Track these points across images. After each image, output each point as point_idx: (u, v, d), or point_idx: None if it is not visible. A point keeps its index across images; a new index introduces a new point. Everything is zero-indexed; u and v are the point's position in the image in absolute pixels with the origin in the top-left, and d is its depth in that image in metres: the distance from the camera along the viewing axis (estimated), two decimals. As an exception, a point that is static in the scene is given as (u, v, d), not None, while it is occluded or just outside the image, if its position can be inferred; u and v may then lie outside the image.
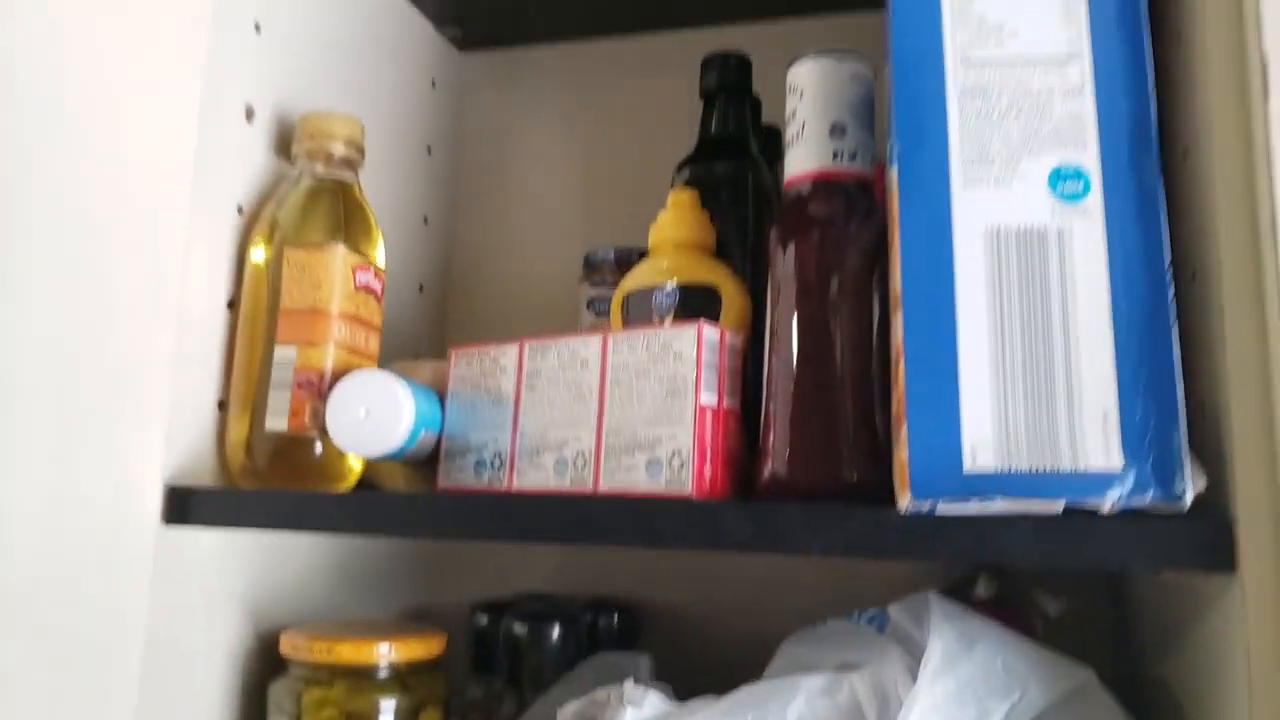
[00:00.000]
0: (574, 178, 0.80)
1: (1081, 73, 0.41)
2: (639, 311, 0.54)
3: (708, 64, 0.61)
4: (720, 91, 0.60)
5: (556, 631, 0.62)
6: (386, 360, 0.63)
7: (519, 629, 0.62)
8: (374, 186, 0.69)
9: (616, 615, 0.67)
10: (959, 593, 0.57)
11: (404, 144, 0.75)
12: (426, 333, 0.78)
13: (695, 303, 0.53)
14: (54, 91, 0.46)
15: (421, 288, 0.77)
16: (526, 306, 0.79)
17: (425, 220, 0.78)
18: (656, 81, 0.78)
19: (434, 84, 0.80)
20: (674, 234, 0.54)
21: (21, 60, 0.44)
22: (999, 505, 0.39)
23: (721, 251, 0.57)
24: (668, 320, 0.53)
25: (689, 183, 0.58)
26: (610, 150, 0.79)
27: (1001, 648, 0.43)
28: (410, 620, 0.73)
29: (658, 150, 0.72)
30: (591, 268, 0.70)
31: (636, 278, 0.55)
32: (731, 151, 0.59)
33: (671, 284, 0.53)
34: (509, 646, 0.62)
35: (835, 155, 0.48)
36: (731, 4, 0.75)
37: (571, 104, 0.81)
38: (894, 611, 0.46)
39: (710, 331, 0.47)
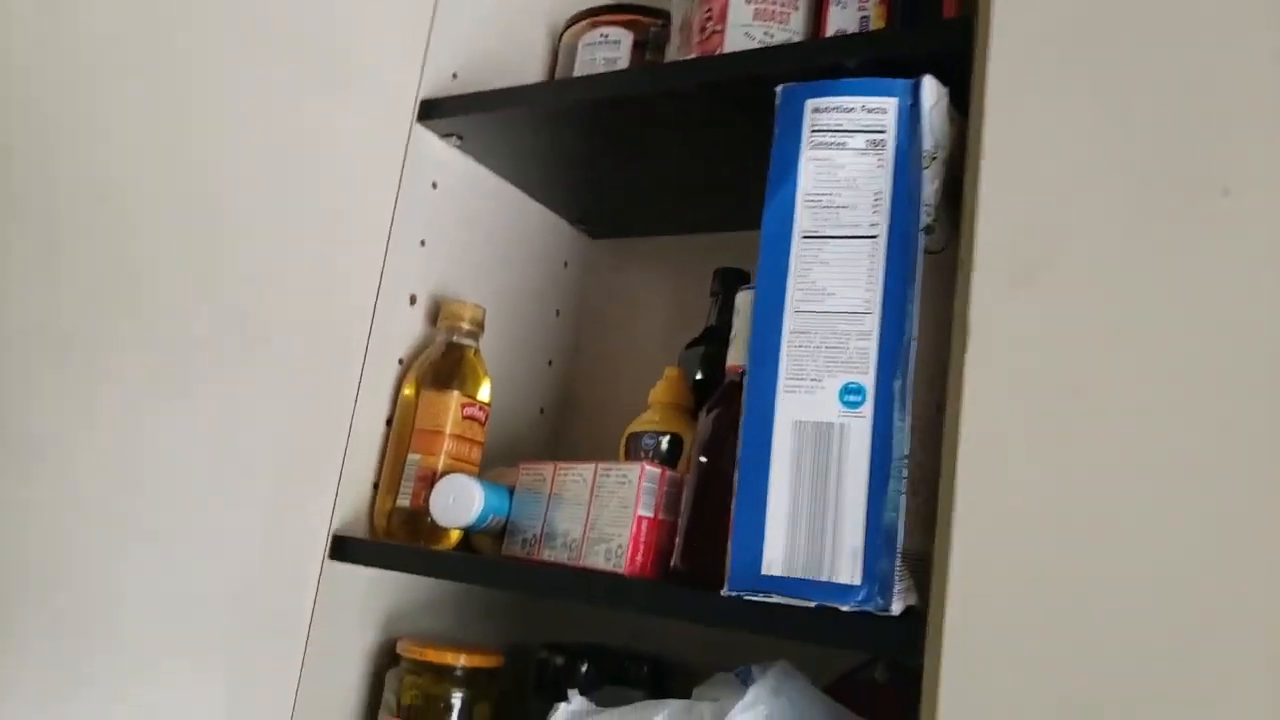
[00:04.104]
0: (663, 334, 1.07)
1: (871, 322, 0.63)
2: (635, 448, 0.80)
3: (715, 274, 0.86)
4: (721, 295, 0.84)
5: (584, 668, 0.87)
6: (505, 464, 0.92)
7: (558, 661, 0.87)
8: (509, 338, 1.00)
9: (646, 666, 0.91)
10: (862, 675, 0.76)
11: (537, 308, 1.05)
12: (544, 444, 1.06)
13: (668, 445, 0.77)
14: (290, 298, 0.79)
15: (542, 410, 1.06)
16: (617, 428, 1.05)
17: (550, 363, 1.07)
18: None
19: (566, 264, 1.09)
20: (662, 397, 0.80)
21: (272, 274, 0.78)
22: (779, 599, 0.60)
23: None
24: (652, 455, 0.78)
25: (686, 359, 0.83)
26: (690, 315, 1.05)
27: (803, 699, 0.63)
28: (494, 645, 0.99)
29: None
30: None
31: (637, 424, 0.80)
32: (722, 339, 0.83)
33: (652, 432, 0.78)
34: (551, 674, 0.88)
35: (752, 355, 0.72)
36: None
37: (668, 280, 1.08)
38: (754, 670, 0.67)
39: (650, 469, 0.71)
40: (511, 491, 0.83)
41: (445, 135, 0.91)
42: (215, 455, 0.73)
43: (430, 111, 0.89)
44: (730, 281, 0.84)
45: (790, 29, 0.82)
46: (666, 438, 0.78)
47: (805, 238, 0.66)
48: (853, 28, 0.79)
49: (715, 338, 0.84)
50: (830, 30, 0.80)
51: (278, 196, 0.76)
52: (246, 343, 0.75)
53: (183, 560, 0.71)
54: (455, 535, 0.85)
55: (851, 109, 0.66)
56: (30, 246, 0.61)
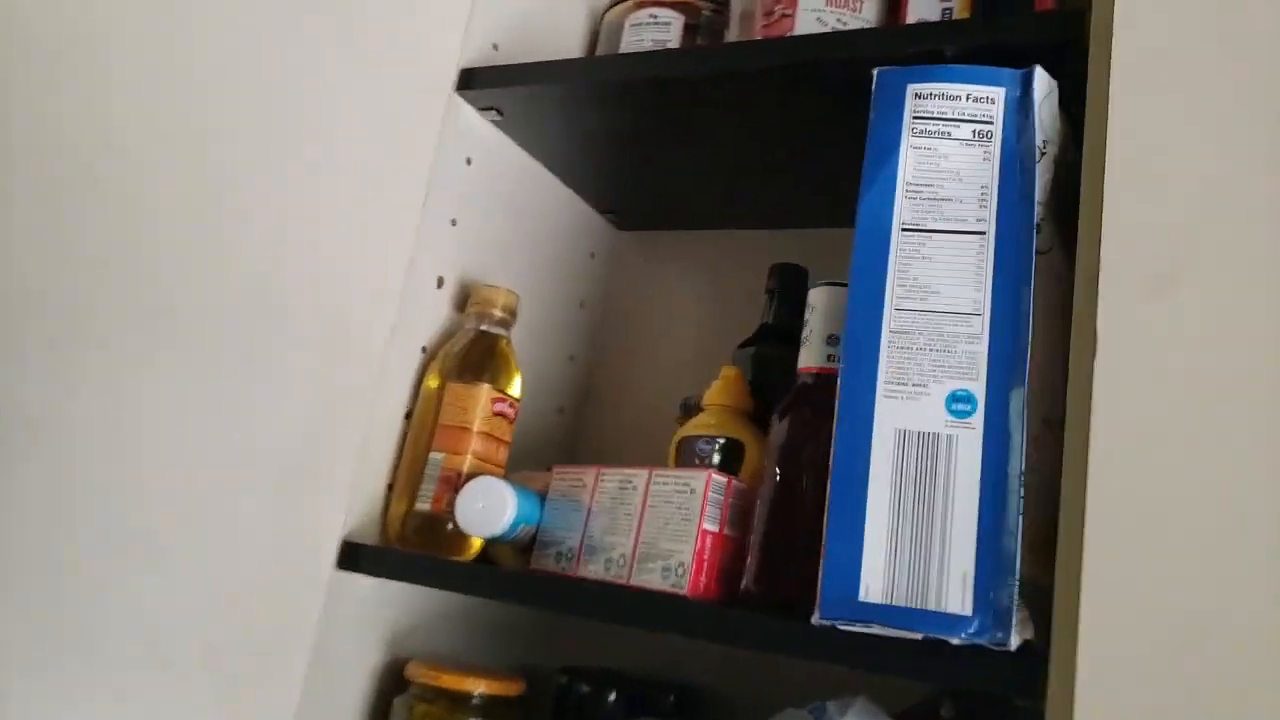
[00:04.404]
0: (693, 335, 1.00)
1: (981, 325, 0.57)
2: (689, 453, 0.73)
3: (772, 270, 0.80)
4: (779, 292, 0.79)
5: (611, 697, 0.80)
6: (521, 466, 0.84)
7: (582, 689, 0.80)
8: (531, 331, 0.93)
9: (672, 694, 0.84)
10: (927, 712, 0.70)
11: (561, 299, 0.98)
12: (562, 445, 0.99)
13: (728, 452, 0.71)
14: (311, 273, 0.71)
15: (561, 410, 0.99)
16: (640, 432, 0.99)
17: (571, 358, 1.00)
18: (763, 269, 0.97)
19: (592, 255, 1.03)
20: (720, 399, 0.73)
21: (293, 246, 0.70)
22: (880, 630, 0.54)
23: (763, 413, 0.74)
24: (716, 460, 0.72)
25: (740, 359, 0.77)
26: (724, 316, 0.99)
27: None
28: (508, 669, 0.92)
29: (757, 323, 0.92)
30: (685, 410, 0.89)
31: (690, 428, 0.74)
32: (780, 339, 0.77)
33: (709, 436, 0.72)
34: (573, 702, 0.81)
35: (829, 357, 0.66)
36: (816, 215, 0.94)
37: (699, 277, 1.02)
38: (830, 706, 0.61)
39: (717, 478, 0.65)
40: (543, 498, 0.76)
41: (484, 109, 0.84)
42: (218, 447, 0.65)
43: (470, 81, 0.82)
44: (789, 278, 0.79)
45: (863, 17, 0.77)
46: (722, 442, 0.71)
47: (906, 230, 0.60)
48: (934, 18, 0.74)
49: (770, 337, 0.78)
50: (910, 20, 0.75)
51: (307, 161, 0.69)
52: (259, 322, 0.67)
53: (176, 562, 0.63)
54: (477, 544, 0.77)
55: (957, 96, 0.61)
56: (31, 215, 0.53)
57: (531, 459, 0.93)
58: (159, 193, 0.59)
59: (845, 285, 0.67)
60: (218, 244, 0.64)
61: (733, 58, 0.71)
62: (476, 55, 0.84)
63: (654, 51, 0.83)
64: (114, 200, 0.57)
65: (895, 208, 0.60)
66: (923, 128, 0.61)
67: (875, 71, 0.63)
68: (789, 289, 0.78)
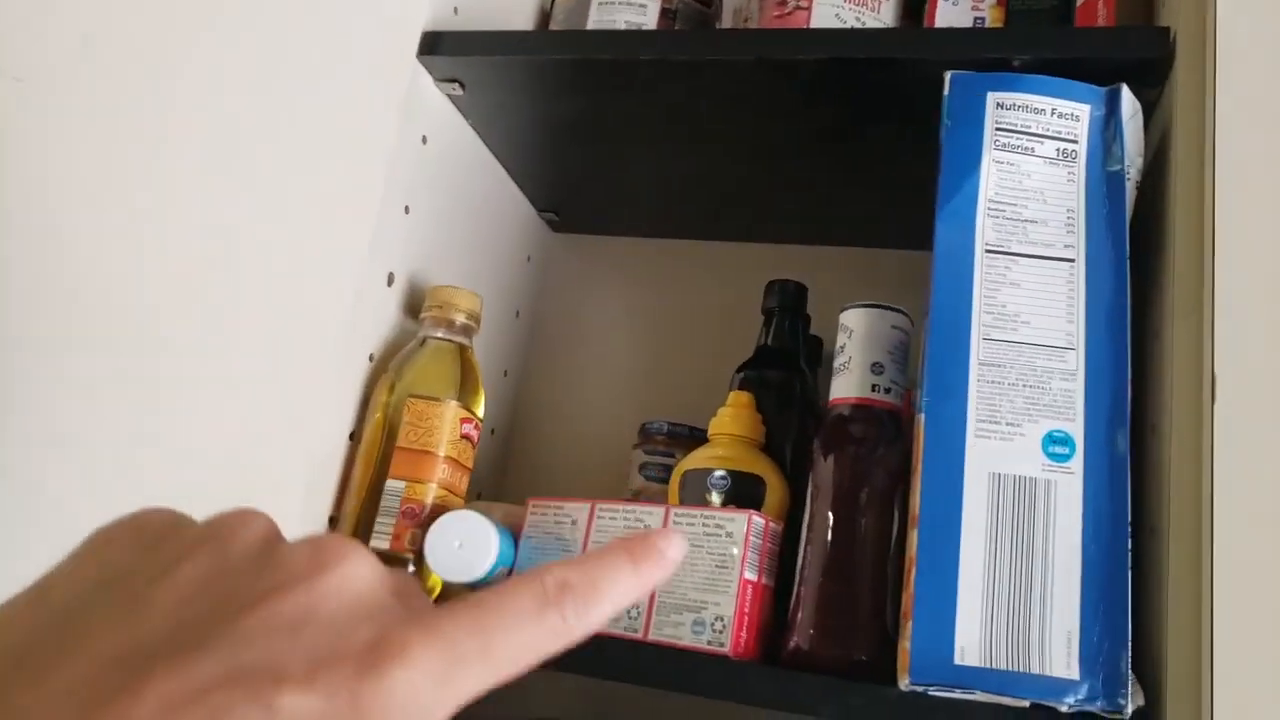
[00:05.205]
0: (637, 353, 0.92)
1: (1075, 360, 0.53)
2: (694, 488, 0.65)
3: (770, 287, 0.73)
4: (779, 311, 0.72)
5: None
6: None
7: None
8: (471, 342, 0.81)
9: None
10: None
11: (497, 307, 0.87)
12: (491, 471, 0.88)
13: (743, 489, 0.63)
14: (267, 265, 0.58)
15: (493, 431, 0.88)
16: (581, 459, 0.89)
17: (505, 373, 0.89)
18: (717, 283, 0.90)
19: (529, 259, 0.92)
20: (731, 428, 0.65)
21: (232, 231, 0.56)
22: (979, 696, 0.48)
23: (769, 446, 0.67)
24: (716, 500, 0.63)
25: (745, 385, 0.69)
26: (670, 334, 0.91)
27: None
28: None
29: (711, 342, 0.85)
30: (647, 436, 0.81)
31: (696, 459, 0.66)
32: (783, 363, 0.70)
33: (724, 470, 0.64)
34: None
35: (874, 388, 0.59)
36: (789, 230, 0.88)
37: (644, 290, 0.93)
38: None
39: (758, 520, 0.57)
40: (515, 534, 0.65)
41: (445, 79, 0.72)
42: (132, 475, 0.51)
43: (435, 45, 0.70)
44: (791, 297, 0.72)
45: (880, 19, 0.72)
46: (741, 477, 0.63)
47: (990, 252, 0.55)
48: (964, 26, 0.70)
49: (770, 361, 0.71)
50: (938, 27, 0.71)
51: (255, 126, 0.56)
52: (191, 325, 0.53)
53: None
54: (438, 587, 0.66)
55: (1041, 110, 0.56)
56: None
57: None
58: (76, 171, 0.45)
59: (885, 308, 0.61)
60: (142, 232, 0.50)
61: (770, 45, 0.64)
62: (438, 17, 0.72)
63: (665, 31, 0.75)
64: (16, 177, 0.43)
65: (977, 227, 0.55)
66: (1005, 141, 0.56)
67: (948, 74, 0.58)
68: (790, 309, 0.72)
